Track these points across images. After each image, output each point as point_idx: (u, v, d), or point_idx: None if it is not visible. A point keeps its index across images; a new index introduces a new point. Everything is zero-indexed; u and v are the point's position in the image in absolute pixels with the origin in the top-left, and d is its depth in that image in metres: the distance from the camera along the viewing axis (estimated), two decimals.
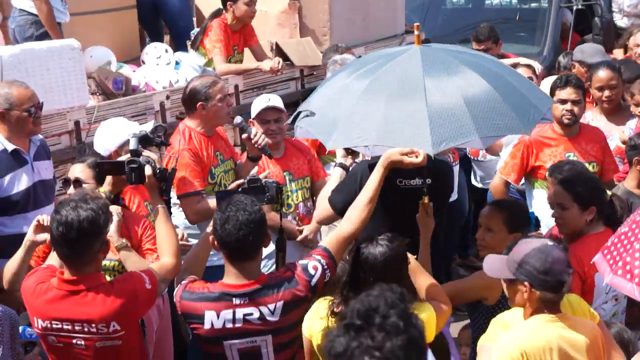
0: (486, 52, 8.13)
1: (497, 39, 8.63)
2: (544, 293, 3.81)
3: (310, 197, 6.18)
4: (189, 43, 7.94)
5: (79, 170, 4.95)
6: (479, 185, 7.72)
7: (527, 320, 3.87)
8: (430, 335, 4.13)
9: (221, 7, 7.71)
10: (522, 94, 4.55)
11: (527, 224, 4.85)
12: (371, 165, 4.84)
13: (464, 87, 4.34)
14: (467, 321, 5.09)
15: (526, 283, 3.82)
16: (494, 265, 3.96)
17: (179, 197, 5.54)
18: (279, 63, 7.54)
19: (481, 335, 4.13)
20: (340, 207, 4.92)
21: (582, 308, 4.17)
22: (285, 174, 6.07)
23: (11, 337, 4.32)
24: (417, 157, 4.27)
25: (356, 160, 5.26)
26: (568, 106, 6.14)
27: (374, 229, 4.89)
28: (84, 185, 4.86)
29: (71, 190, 4.89)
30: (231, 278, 4.03)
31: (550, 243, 3.90)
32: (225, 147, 5.91)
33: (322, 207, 5.05)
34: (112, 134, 5.33)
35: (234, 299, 3.97)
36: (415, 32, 4.69)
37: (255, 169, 5.85)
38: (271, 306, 3.98)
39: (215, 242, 4.04)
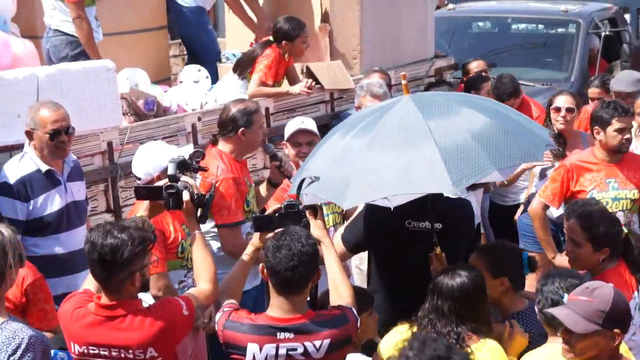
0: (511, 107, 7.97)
1: (519, 91, 8.07)
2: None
3: (342, 222, 6.08)
4: (220, 66, 7.95)
5: None
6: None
7: None
8: None
9: (271, 39, 7.54)
10: (520, 122, 4.56)
11: (514, 266, 4.68)
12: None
13: (466, 124, 4.31)
14: None
15: (617, 330, 3.73)
16: (579, 322, 3.72)
17: (219, 227, 5.44)
18: (309, 83, 7.49)
19: None
20: (351, 245, 4.90)
21: None
22: None
23: None
24: None
25: None
26: (628, 135, 6.08)
27: (384, 276, 4.85)
28: None
29: None
30: (276, 311, 3.98)
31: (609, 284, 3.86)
32: (248, 172, 5.86)
33: (335, 243, 4.99)
34: (154, 158, 5.17)
35: (278, 333, 3.92)
36: (403, 82, 4.66)
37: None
38: (317, 343, 3.92)
39: (265, 270, 4.00)
